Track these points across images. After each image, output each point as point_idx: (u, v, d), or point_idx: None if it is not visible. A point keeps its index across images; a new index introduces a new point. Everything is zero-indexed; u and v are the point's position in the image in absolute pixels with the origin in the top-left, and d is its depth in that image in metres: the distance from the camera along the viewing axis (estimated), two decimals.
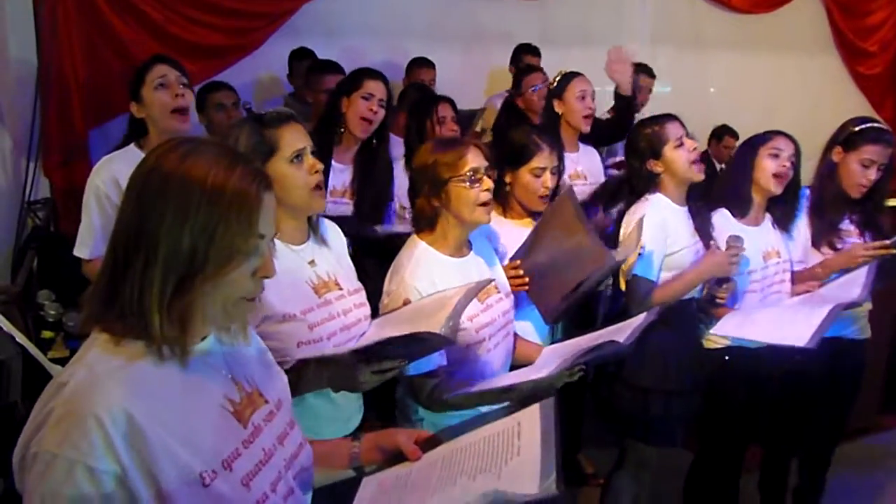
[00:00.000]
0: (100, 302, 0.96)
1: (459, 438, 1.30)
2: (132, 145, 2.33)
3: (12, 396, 2.25)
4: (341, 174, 2.63)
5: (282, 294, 1.52)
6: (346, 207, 2.61)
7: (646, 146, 2.33)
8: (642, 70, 4.32)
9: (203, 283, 0.95)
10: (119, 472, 0.88)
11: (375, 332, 1.65)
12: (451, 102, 2.90)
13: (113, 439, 0.87)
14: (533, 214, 2.25)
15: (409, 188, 1.94)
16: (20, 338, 1.93)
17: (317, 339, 1.57)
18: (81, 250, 2.32)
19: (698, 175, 2.30)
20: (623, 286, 2.29)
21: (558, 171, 2.29)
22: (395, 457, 1.30)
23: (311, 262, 1.65)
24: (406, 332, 1.42)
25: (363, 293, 1.75)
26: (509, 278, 2.05)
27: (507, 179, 2.22)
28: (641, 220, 2.20)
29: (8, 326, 1.92)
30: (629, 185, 2.42)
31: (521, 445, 1.17)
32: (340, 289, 1.67)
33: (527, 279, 2.06)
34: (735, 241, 2.22)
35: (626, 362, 2.28)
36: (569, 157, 3.03)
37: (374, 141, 2.65)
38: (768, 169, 2.37)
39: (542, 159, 2.19)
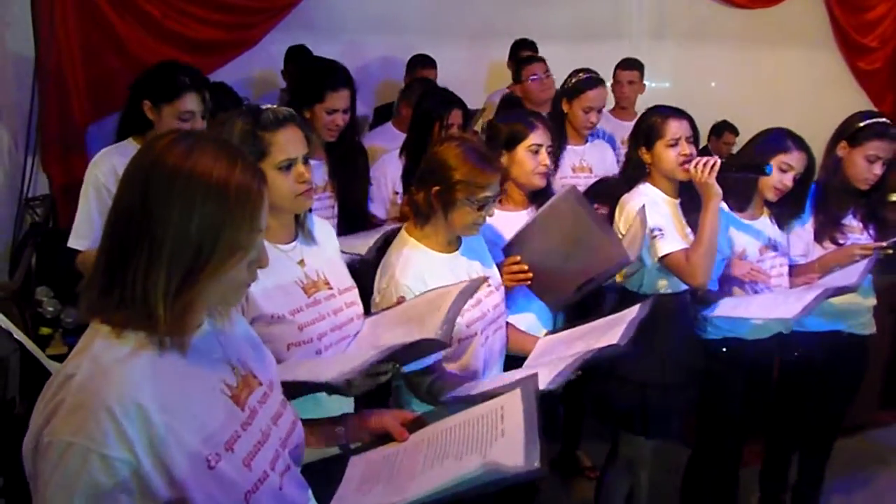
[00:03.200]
0: (98, 292, 0.97)
1: (443, 420, 1.34)
2: (130, 139, 2.30)
3: (10, 393, 2.25)
4: (317, 170, 2.58)
5: (269, 295, 1.50)
6: (328, 201, 2.55)
7: (643, 133, 2.31)
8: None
9: (206, 277, 0.97)
10: (132, 461, 0.90)
11: (369, 330, 1.64)
12: (464, 110, 2.83)
13: (125, 430, 0.89)
14: (533, 198, 2.25)
15: (407, 175, 1.90)
16: (18, 334, 1.92)
17: (307, 340, 1.54)
18: (79, 241, 2.24)
19: (683, 175, 2.24)
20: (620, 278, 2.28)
21: (554, 150, 2.28)
22: (382, 437, 1.35)
23: (301, 262, 1.60)
24: (402, 339, 1.41)
25: (355, 291, 1.71)
26: (510, 273, 2.05)
27: (504, 163, 2.19)
28: (643, 208, 2.19)
29: (6, 323, 1.92)
30: (622, 169, 2.41)
31: (504, 428, 1.19)
32: (330, 288, 1.63)
33: (530, 273, 2.06)
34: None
35: (620, 358, 2.27)
36: (573, 150, 3.04)
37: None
38: (771, 180, 2.33)
39: (538, 136, 2.21)
